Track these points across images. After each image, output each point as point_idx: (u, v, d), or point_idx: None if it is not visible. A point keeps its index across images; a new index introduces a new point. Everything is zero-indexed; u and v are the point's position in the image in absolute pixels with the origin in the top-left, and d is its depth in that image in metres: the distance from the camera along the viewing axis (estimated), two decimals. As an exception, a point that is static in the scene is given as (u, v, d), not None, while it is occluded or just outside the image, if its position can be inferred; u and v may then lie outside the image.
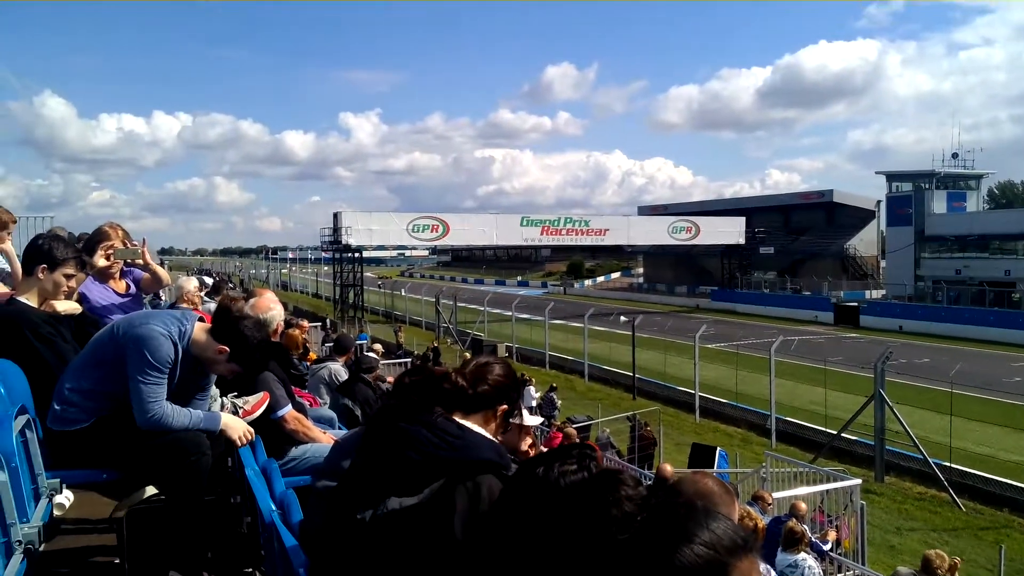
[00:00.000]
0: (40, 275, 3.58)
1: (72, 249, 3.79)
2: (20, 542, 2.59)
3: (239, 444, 3.41)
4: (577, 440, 11.24)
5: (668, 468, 10.31)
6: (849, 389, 22.33)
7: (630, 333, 29.09)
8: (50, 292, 3.63)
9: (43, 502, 2.97)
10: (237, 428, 3.42)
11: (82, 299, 4.21)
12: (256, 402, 3.82)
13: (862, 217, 62.69)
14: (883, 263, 60.77)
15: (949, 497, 16.21)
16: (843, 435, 18.99)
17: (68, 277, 3.66)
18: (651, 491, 1.62)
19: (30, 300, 3.58)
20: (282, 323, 4.75)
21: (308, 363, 8.07)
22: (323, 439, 4.14)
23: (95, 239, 4.72)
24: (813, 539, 8.83)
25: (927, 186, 53.69)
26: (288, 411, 4.06)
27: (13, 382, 3.11)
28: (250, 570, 3.49)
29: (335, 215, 45.30)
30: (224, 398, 3.87)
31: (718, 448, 17.06)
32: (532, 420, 3.43)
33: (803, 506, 9.87)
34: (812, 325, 45.35)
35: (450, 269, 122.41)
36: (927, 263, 51.54)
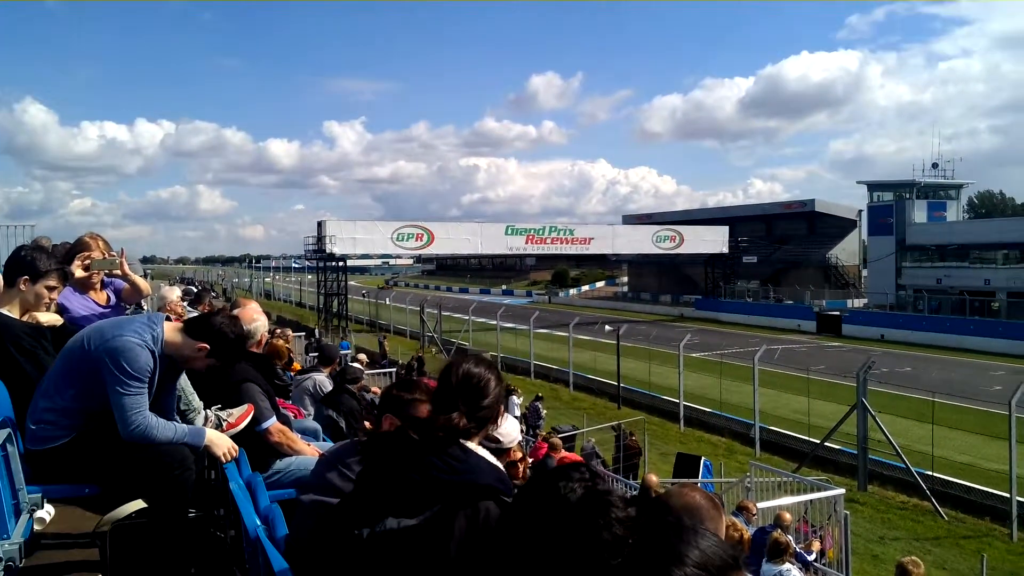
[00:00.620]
0: (22, 287, 3.54)
1: (55, 261, 3.75)
2: (0, 559, 2.55)
3: (223, 461, 3.38)
4: (562, 450, 11.24)
5: (654, 478, 10.36)
6: (832, 398, 22.54)
7: (615, 342, 29.18)
8: (32, 304, 3.60)
9: (24, 517, 2.92)
10: (221, 445, 3.39)
11: (62, 310, 4.15)
12: (240, 414, 3.79)
13: (844, 226, 63.18)
14: (865, 272, 61.36)
15: (931, 506, 16.39)
16: (826, 444, 19.16)
17: (50, 289, 3.63)
18: (638, 505, 1.63)
19: (11, 312, 3.54)
20: (266, 334, 4.73)
21: (292, 373, 8.04)
22: (308, 452, 4.11)
23: (74, 249, 4.69)
24: (798, 549, 8.88)
25: (908, 196, 54.30)
26: (273, 423, 4.03)
27: (-6, 395, 3.06)
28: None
29: (319, 223, 45.18)
30: (208, 410, 3.83)
31: (703, 458, 17.15)
32: (509, 428, 3.42)
33: (788, 516, 9.95)
34: (795, 334, 45.73)
35: (435, 278, 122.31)
36: (908, 272, 52.09)
